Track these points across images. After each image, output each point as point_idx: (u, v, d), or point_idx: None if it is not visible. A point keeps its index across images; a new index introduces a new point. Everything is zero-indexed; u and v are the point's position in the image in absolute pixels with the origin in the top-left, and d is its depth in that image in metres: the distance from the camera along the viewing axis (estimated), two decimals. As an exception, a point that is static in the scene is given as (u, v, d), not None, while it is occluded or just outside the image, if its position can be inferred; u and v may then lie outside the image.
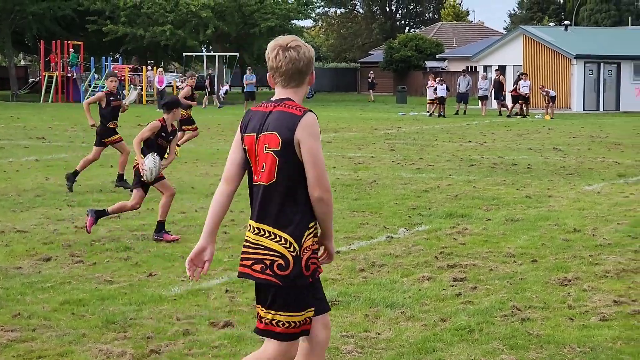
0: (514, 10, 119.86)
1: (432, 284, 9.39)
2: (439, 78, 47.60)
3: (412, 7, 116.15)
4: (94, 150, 16.87)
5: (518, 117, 44.46)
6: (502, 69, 53.72)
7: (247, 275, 5.06)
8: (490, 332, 7.70)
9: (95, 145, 16.93)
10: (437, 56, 79.60)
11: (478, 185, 17.21)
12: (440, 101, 45.39)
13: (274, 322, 5.02)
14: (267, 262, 4.97)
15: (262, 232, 5.02)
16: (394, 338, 7.50)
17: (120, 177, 16.85)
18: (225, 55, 62.97)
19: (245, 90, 51.15)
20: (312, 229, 5.04)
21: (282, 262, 4.95)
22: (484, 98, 47.75)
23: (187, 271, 5.15)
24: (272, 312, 5.02)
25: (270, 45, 5.09)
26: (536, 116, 45.19)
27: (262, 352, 5.15)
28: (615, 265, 10.15)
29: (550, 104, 44.83)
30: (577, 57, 53.36)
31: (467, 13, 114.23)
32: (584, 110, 52.59)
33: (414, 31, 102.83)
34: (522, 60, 56.75)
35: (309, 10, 73.26)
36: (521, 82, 45.89)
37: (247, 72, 52.05)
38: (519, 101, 45.61)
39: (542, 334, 7.63)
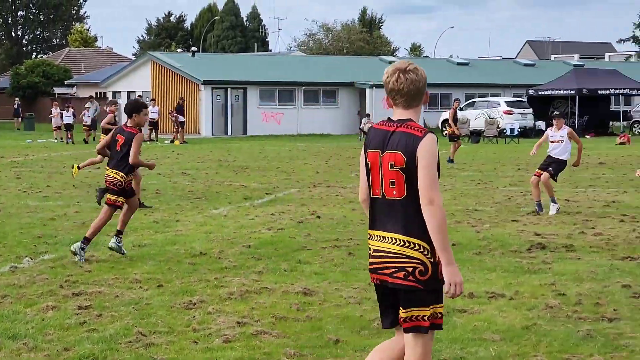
0: (142, 36, 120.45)
1: (56, 313, 9.16)
2: (66, 104, 46.87)
3: (39, 32, 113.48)
4: None
5: (148, 142, 44.63)
6: (131, 95, 53.68)
7: (387, 282, 5.58)
8: (115, 359, 7.62)
9: None
10: (66, 82, 78.19)
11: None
12: (67, 128, 44.78)
13: (419, 317, 5.56)
14: (410, 269, 5.49)
15: (398, 242, 5.51)
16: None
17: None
18: None
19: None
20: None
21: (422, 268, 5.48)
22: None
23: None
24: (414, 309, 5.54)
25: (390, 69, 5.63)
26: (165, 141, 45.58)
27: (406, 349, 5.67)
28: (239, 287, 10.37)
29: (180, 129, 45.43)
30: (205, 82, 54.48)
31: (96, 39, 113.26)
32: (212, 134, 53.73)
33: (42, 57, 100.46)
34: (151, 86, 57.13)
35: None
36: (150, 108, 46.14)
37: None
38: (149, 127, 45.80)
39: (166, 358, 7.66)
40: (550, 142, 17.57)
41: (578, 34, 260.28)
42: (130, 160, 12.29)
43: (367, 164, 5.61)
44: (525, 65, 72.25)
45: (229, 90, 55.71)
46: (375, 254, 5.60)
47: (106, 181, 12.57)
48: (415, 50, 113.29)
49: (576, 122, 53.40)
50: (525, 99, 54.70)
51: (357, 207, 18.00)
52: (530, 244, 13.35)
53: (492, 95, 58.90)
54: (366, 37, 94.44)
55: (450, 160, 30.82)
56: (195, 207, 17.96)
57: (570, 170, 26.95)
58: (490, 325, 8.67)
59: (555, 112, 18.17)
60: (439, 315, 5.65)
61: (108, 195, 12.48)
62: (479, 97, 57.92)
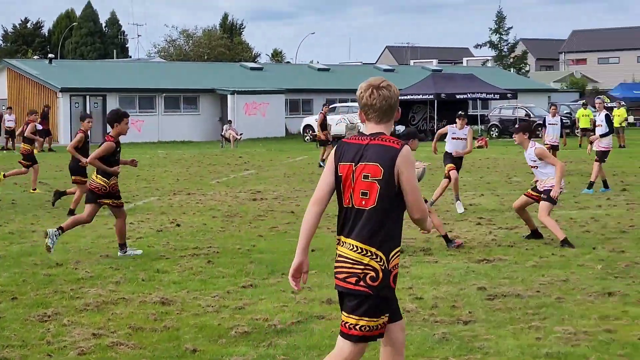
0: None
1: None
2: None
3: None
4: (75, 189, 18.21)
5: (5, 151, 43.55)
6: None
7: (341, 287, 5.73)
8: (-36, 377, 7.41)
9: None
10: None
11: (-42, 224, 16.56)
12: None
13: (356, 326, 5.68)
14: (361, 275, 5.64)
15: (360, 250, 5.67)
16: None
17: (71, 212, 17.48)
18: None
19: None
20: (399, 249, 5.78)
21: (373, 274, 5.63)
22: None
23: (291, 284, 5.93)
24: (356, 317, 5.67)
25: (364, 85, 5.84)
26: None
27: (337, 353, 5.80)
28: (95, 298, 10.22)
29: (45, 137, 44.44)
30: (63, 90, 53.52)
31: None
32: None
33: None
34: (7, 94, 55.81)
35: None
36: (6, 116, 45.13)
37: None
38: (5, 136, 44.73)
39: (18, 373, 7.48)
40: (452, 138, 18.79)
41: (436, 40, 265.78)
42: (88, 159, 13.29)
43: (338, 177, 5.76)
44: (385, 70, 73.25)
45: (87, 97, 54.84)
46: (338, 258, 5.79)
47: (89, 185, 13.36)
48: (277, 56, 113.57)
49: (435, 127, 54.41)
50: (385, 104, 55.32)
51: (218, 215, 17.98)
52: (388, 248, 13.49)
53: (353, 101, 59.48)
54: (227, 43, 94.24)
55: (322, 165, 30.98)
56: (53, 217, 17.62)
57: (429, 173, 27.45)
58: (347, 330, 8.73)
59: (460, 112, 19.32)
60: (381, 327, 5.75)
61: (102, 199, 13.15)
62: (340, 102, 58.45)
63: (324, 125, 32.27)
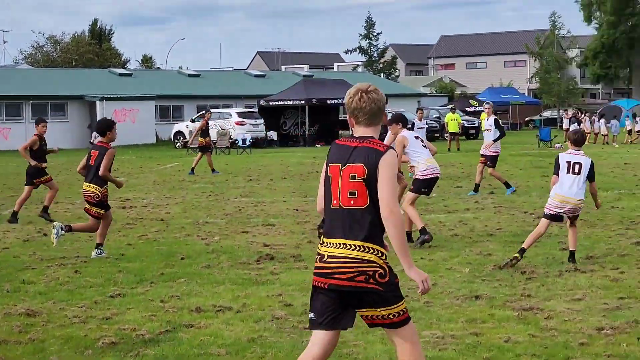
0: None
1: None
2: None
3: None
4: (26, 190, 18.68)
5: None
6: None
7: (348, 287, 5.91)
8: None
9: (26, 185, 18.73)
10: None
11: None
12: None
13: (392, 315, 5.99)
14: (370, 273, 5.88)
15: (357, 247, 5.89)
16: None
17: (45, 209, 18.42)
18: None
19: None
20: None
21: (382, 271, 5.92)
22: None
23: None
24: (384, 308, 5.96)
25: (352, 90, 6.04)
26: None
27: (402, 340, 6.09)
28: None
29: None
30: None
31: None
32: None
33: None
34: None
35: None
36: None
37: None
38: None
39: None
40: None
41: (307, 45, 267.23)
42: (100, 172, 13.30)
43: (328, 177, 6.03)
44: (256, 76, 73.30)
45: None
46: (330, 259, 5.94)
47: (84, 195, 13.73)
48: (147, 61, 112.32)
49: (307, 132, 54.67)
50: (256, 110, 55.43)
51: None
52: (259, 255, 13.48)
53: (224, 107, 59.36)
54: (95, 49, 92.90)
55: (192, 173, 30.70)
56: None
57: (301, 180, 27.56)
58: (216, 339, 8.67)
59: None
60: (405, 310, 6.07)
61: (87, 207, 13.69)
62: (211, 108, 58.18)
63: (205, 132, 31.71)
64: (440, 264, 12.68)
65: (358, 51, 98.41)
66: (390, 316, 6.00)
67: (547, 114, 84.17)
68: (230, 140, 47.98)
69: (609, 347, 8.30)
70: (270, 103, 55.39)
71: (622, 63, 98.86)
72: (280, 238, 15.44)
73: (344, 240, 5.93)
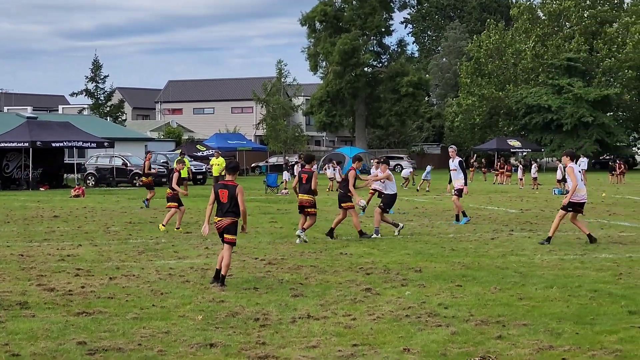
0: None
1: None
2: None
3: None
4: None
5: None
6: None
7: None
8: None
9: None
10: None
11: None
12: None
13: None
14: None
15: None
16: None
17: None
18: None
19: None
20: None
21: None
22: None
23: None
24: None
25: None
26: None
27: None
28: None
29: None
30: None
31: None
32: None
33: None
34: None
35: None
36: None
37: None
38: None
39: None
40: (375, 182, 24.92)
41: (32, 87, 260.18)
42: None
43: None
44: (-22, 117, 70.50)
45: None
46: None
47: None
48: None
49: (30, 175, 53.01)
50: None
51: None
52: None
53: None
54: None
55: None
56: None
57: (25, 225, 26.59)
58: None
59: (383, 157, 25.98)
60: None
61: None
62: None
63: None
64: (173, 311, 12.48)
65: (84, 94, 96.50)
66: None
67: (273, 160, 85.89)
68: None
69: (342, 392, 8.43)
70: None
71: (346, 112, 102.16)
72: (5, 284, 14.78)
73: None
